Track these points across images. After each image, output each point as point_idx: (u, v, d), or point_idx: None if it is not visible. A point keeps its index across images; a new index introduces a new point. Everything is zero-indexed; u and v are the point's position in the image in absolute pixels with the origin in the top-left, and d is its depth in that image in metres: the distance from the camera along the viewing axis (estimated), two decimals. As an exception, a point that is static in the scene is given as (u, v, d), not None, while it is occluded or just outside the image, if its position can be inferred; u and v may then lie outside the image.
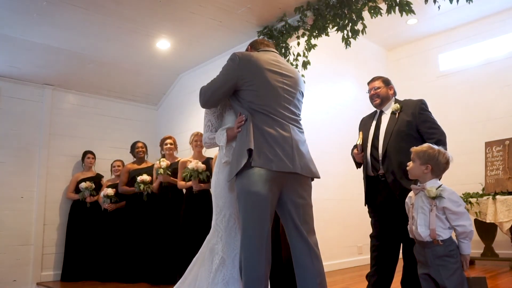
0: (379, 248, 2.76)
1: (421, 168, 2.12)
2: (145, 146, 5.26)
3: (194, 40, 4.98)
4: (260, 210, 2.00)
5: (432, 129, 2.63)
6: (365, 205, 2.88)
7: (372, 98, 2.90)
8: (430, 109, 2.78)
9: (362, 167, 2.90)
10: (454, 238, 2.06)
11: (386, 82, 2.90)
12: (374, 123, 2.86)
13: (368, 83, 2.96)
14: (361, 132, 2.86)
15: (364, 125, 2.97)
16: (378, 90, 2.86)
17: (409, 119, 2.68)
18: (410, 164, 2.20)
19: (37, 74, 5.28)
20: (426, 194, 2.05)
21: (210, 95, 2.27)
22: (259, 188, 2.00)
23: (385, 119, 2.80)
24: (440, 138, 2.57)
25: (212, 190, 2.60)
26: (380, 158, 2.71)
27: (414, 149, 2.21)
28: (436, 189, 2.03)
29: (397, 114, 2.75)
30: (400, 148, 2.60)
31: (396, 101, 2.87)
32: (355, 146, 2.87)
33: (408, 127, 2.67)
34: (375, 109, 2.96)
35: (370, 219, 2.89)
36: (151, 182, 4.80)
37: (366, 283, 2.81)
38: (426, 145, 2.20)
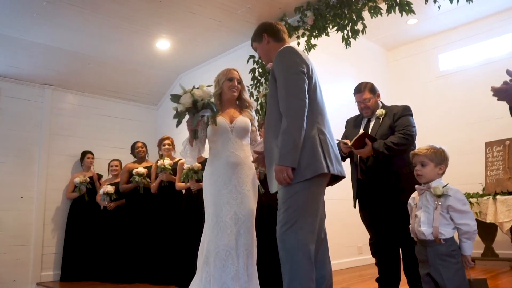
0: (378, 253, 2.83)
1: (436, 170, 2.09)
2: (145, 146, 5.26)
3: (194, 40, 4.98)
4: (317, 215, 1.98)
5: (407, 127, 2.68)
6: (354, 207, 2.92)
7: (363, 110, 2.91)
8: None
9: (351, 170, 2.93)
10: (456, 239, 2.05)
11: (373, 91, 2.89)
12: (361, 129, 2.90)
13: (355, 94, 2.93)
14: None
15: (352, 128, 2.98)
16: (369, 103, 2.86)
17: (391, 122, 2.75)
18: (420, 168, 2.10)
19: (37, 74, 5.28)
20: (432, 192, 2.04)
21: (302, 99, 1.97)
22: (322, 195, 2.00)
23: (371, 124, 2.87)
24: (406, 137, 2.62)
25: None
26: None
27: (420, 151, 2.12)
28: (442, 187, 2.02)
29: (381, 118, 2.81)
30: None
31: (383, 105, 2.91)
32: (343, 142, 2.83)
33: (389, 130, 2.73)
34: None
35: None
36: (148, 175, 4.83)
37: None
38: (430, 146, 2.13)
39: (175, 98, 2.53)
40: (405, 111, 2.76)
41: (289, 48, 2.10)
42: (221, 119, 2.61)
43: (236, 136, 2.61)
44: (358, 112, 3.02)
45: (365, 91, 2.87)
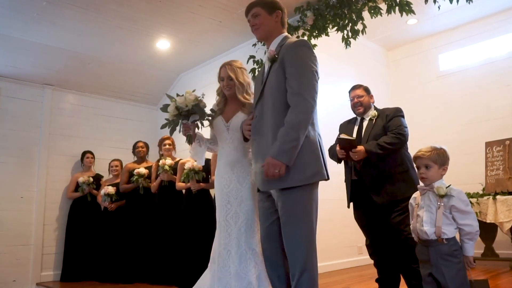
0: (376, 254, 2.85)
1: (440, 171, 2.10)
2: (146, 146, 5.26)
3: (194, 40, 4.98)
4: (317, 215, 2.03)
5: (399, 127, 2.72)
6: (348, 207, 2.97)
7: (355, 106, 2.98)
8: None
9: (345, 171, 2.97)
10: (458, 239, 2.05)
11: (367, 91, 3.00)
12: (356, 128, 2.95)
13: (350, 91, 3.05)
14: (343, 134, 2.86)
15: (345, 130, 3.01)
16: (361, 99, 2.95)
17: (384, 124, 2.80)
18: (424, 171, 2.09)
19: (37, 74, 5.28)
20: (435, 192, 2.04)
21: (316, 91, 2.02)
22: (317, 197, 2.04)
23: (365, 125, 2.92)
24: (398, 137, 2.67)
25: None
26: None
27: (423, 154, 2.11)
28: (446, 188, 2.03)
29: (374, 120, 2.87)
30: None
31: (375, 108, 2.97)
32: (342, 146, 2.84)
33: (382, 131, 2.78)
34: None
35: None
36: (148, 176, 4.84)
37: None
38: (432, 147, 2.12)
39: (164, 108, 2.59)
40: (397, 112, 2.83)
41: (308, 43, 2.11)
42: (218, 119, 2.58)
43: (233, 134, 2.52)
44: None
45: (359, 88, 2.99)
